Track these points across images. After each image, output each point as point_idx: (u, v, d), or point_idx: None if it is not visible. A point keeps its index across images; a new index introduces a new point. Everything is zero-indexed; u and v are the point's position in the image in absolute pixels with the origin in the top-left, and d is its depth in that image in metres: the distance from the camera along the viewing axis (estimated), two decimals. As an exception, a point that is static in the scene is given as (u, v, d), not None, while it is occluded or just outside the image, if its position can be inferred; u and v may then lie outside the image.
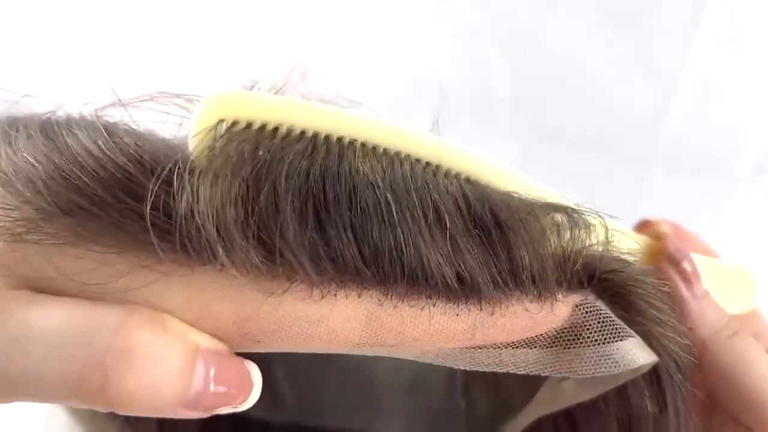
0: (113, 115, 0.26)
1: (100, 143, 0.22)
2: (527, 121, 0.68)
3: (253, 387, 0.23)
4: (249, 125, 0.23)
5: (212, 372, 0.21)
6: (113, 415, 0.41)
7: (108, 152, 0.22)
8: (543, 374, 0.25)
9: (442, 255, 0.22)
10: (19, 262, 0.22)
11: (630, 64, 0.66)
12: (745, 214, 0.68)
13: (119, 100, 0.25)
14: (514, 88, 0.68)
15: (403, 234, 0.22)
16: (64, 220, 0.21)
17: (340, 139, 0.23)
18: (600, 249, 0.27)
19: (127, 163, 0.21)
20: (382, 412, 0.44)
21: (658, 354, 0.27)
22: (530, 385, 0.33)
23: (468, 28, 0.67)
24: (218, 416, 0.43)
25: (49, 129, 0.24)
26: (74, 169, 0.21)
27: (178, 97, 0.25)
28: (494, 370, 0.25)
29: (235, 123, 0.22)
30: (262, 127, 0.23)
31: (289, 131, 0.23)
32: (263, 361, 0.44)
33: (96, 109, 0.26)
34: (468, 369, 0.25)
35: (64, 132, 0.23)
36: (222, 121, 0.22)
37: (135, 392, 0.20)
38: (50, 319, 0.21)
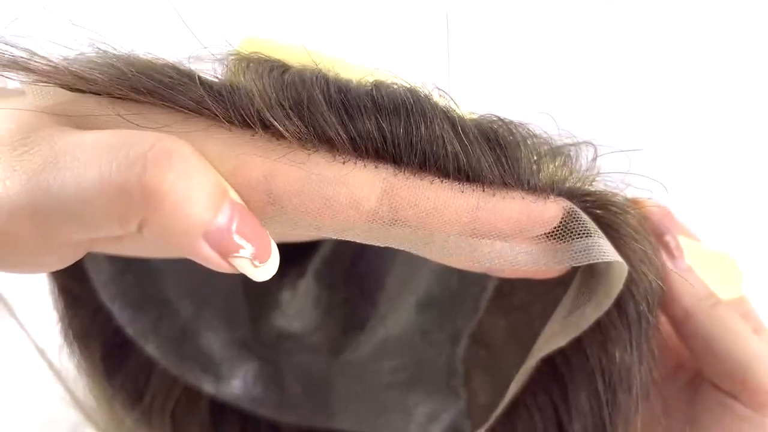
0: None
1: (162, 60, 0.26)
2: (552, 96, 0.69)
3: (272, 254, 0.24)
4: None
5: (237, 220, 0.23)
6: (130, 407, 0.43)
7: (168, 63, 0.25)
8: (534, 266, 0.28)
9: (453, 139, 0.25)
10: (78, 108, 0.25)
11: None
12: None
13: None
14: (509, 87, 0.70)
15: (419, 115, 0.25)
16: (138, 78, 0.24)
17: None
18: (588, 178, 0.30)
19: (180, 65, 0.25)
20: (387, 409, 0.45)
21: (632, 273, 0.29)
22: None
23: (462, 30, 0.69)
24: (228, 417, 0.44)
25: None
26: (150, 61, 0.25)
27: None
28: (495, 265, 0.27)
29: (262, 58, 0.26)
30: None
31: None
32: (274, 363, 0.45)
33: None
34: (471, 265, 0.27)
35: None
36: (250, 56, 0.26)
37: (170, 190, 0.21)
38: (98, 135, 0.23)
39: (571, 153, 0.29)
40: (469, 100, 0.29)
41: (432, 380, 0.45)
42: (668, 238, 0.35)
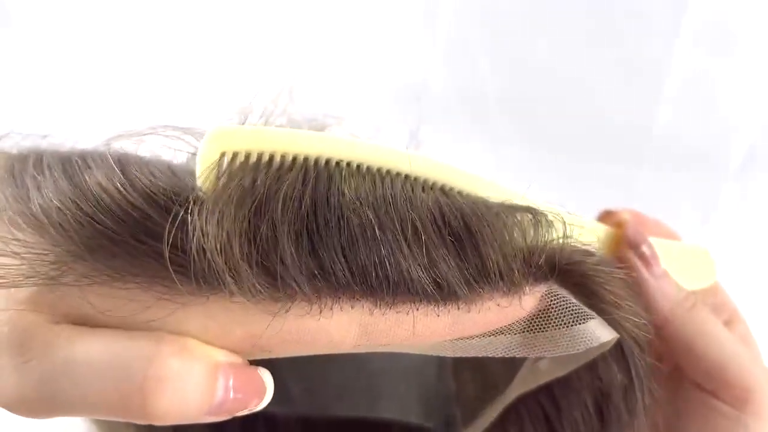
0: (121, 146, 0.30)
1: (116, 181, 0.26)
2: (517, 126, 0.70)
3: (266, 390, 0.27)
4: (248, 157, 0.26)
5: (231, 381, 0.25)
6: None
7: (123, 191, 0.26)
8: (518, 356, 0.29)
9: (420, 267, 0.26)
10: (58, 301, 0.25)
11: (615, 64, 0.68)
12: (737, 209, 0.71)
13: (126, 133, 0.29)
14: (502, 91, 0.70)
15: (385, 252, 0.26)
16: (92, 260, 0.25)
17: (327, 162, 0.27)
18: (561, 242, 0.31)
19: (143, 202, 0.25)
20: (380, 397, 0.47)
21: (619, 333, 0.31)
22: (512, 366, 0.37)
23: (456, 37, 0.69)
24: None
25: (69, 167, 0.27)
26: (97, 211, 0.25)
27: (179, 129, 0.29)
28: (475, 356, 0.29)
29: (235, 155, 0.26)
30: (259, 157, 0.26)
31: (283, 159, 0.27)
32: (270, 360, 0.47)
33: (107, 141, 0.30)
34: (452, 356, 0.29)
35: (83, 171, 0.27)
36: (223, 154, 0.26)
37: (169, 409, 0.24)
38: (91, 350, 0.24)
39: (540, 219, 0.30)
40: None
41: (423, 369, 0.47)
42: (644, 248, 0.37)
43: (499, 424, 0.38)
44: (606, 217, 0.40)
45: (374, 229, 0.26)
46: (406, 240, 0.26)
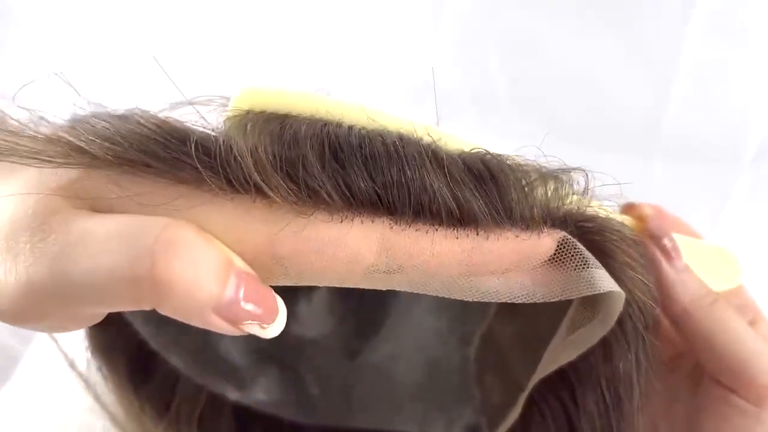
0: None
1: (160, 123, 0.27)
2: (527, 118, 0.70)
3: (278, 313, 0.26)
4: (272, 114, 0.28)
5: (243, 287, 0.24)
6: (158, 417, 0.44)
7: (165, 125, 0.26)
8: (531, 301, 0.29)
9: (444, 186, 0.26)
10: (88, 189, 0.26)
11: (625, 56, 0.68)
12: (751, 200, 0.70)
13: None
14: (512, 85, 0.70)
15: (409, 168, 0.26)
16: (137, 155, 0.25)
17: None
18: (582, 203, 0.31)
19: (177, 129, 0.26)
20: (403, 408, 0.47)
21: (628, 296, 0.30)
22: (535, 364, 0.36)
23: (465, 29, 0.69)
24: (253, 420, 0.46)
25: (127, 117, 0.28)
26: (144, 129, 0.26)
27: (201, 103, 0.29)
28: (491, 299, 0.28)
29: (261, 113, 0.28)
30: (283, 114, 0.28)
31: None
32: (294, 368, 0.47)
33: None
34: (469, 299, 0.28)
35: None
36: (249, 111, 0.27)
37: (178, 279, 0.23)
38: (110, 223, 0.24)
39: (564, 179, 0.30)
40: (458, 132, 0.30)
41: (446, 380, 0.47)
42: (665, 240, 0.37)
43: (521, 424, 0.37)
44: (628, 209, 0.40)
45: (399, 148, 0.26)
46: (430, 162, 0.26)
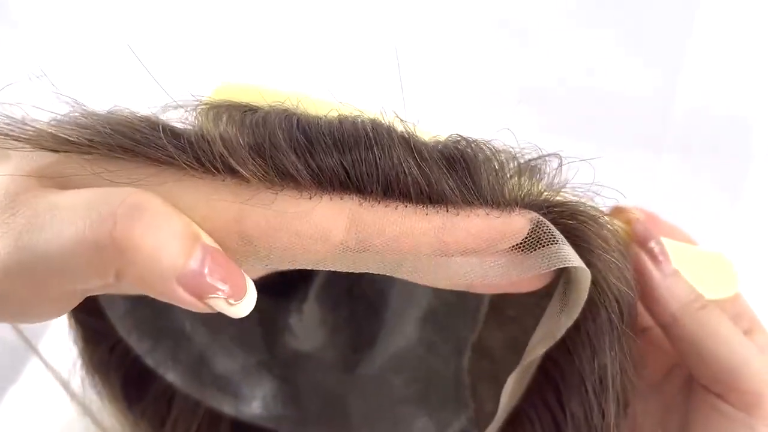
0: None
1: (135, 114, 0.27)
2: (534, 114, 0.69)
3: (247, 291, 0.26)
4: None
5: (209, 261, 0.24)
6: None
7: (142, 117, 0.27)
8: (504, 279, 0.29)
9: (412, 165, 0.26)
10: (61, 171, 0.26)
11: (633, 49, 0.68)
12: (762, 194, 0.68)
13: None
14: (520, 81, 0.70)
15: (378, 147, 0.26)
16: (111, 136, 0.26)
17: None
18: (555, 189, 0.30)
19: (149, 118, 0.27)
20: (402, 420, 0.47)
21: (602, 283, 0.30)
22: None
23: (473, 22, 0.70)
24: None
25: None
26: (118, 117, 0.27)
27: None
28: (467, 280, 0.29)
29: (232, 104, 0.28)
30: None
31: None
32: (292, 381, 0.47)
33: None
34: (444, 284, 0.29)
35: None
36: (221, 103, 0.28)
37: (140, 243, 0.23)
38: (75, 195, 0.25)
39: (538, 165, 0.30)
40: (432, 123, 0.30)
41: (442, 392, 0.46)
42: (652, 244, 0.36)
43: (508, 427, 0.37)
44: (616, 213, 0.39)
45: (367, 128, 0.26)
46: (399, 142, 0.27)
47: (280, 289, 0.44)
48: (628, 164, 0.65)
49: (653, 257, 0.36)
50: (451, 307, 0.44)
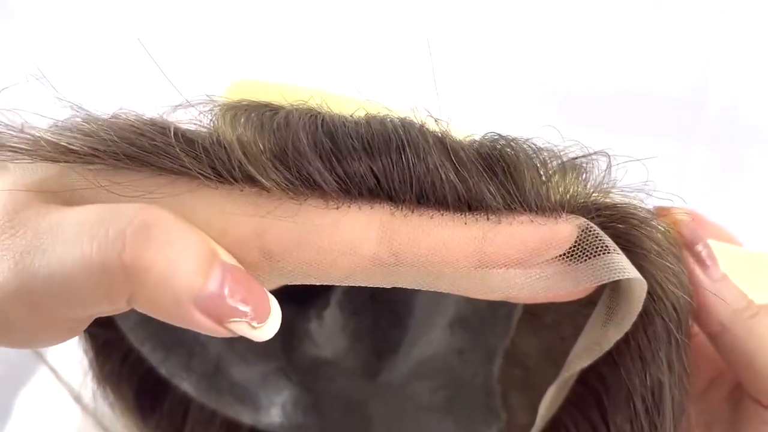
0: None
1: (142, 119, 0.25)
2: (564, 104, 0.68)
3: (271, 312, 0.24)
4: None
5: (229, 280, 0.22)
6: None
7: (145, 119, 0.25)
8: (551, 292, 0.26)
9: (449, 169, 0.24)
10: (64, 184, 0.24)
11: (667, 37, 0.65)
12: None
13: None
14: (548, 69, 0.68)
15: (411, 150, 0.24)
16: (117, 145, 0.24)
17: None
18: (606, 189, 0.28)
19: (158, 121, 0.25)
20: (427, 430, 0.45)
21: (658, 290, 0.28)
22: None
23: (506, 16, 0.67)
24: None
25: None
26: (124, 122, 0.25)
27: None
28: (510, 294, 0.26)
29: (250, 103, 0.26)
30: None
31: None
32: (312, 389, 0.45)
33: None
34: (486, 296, 0.26)
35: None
36: (239, 102, 0.26)
37: (153, 264, 0.21)
38: (79, 212, 0.22)
39: (584, 165, 0.27)
40: (468, 120, 0.28)
41: (470, 400, 0.44)
42: (699, 247, 0.33)
43: None
44: (660, 214, 0.37)
45: (399, 130, 0.24)
46: (434, 144, 0.24)
47: (300, 295, 0.42)
48: (657, 154, 0.64)
49: (701, 261, 0.33)
50: (482, 313, 0.42)
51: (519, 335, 0.41)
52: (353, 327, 0.44)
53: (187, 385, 0.43)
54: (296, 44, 0.70)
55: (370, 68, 0.70)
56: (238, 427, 0.46)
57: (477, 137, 0.26)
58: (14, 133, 0.25)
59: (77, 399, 0.42)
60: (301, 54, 0.70)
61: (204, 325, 0.22)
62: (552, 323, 0.39)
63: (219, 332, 0.22)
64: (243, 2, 0.71)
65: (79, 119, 0.25)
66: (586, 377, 0.33)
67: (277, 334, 0.44)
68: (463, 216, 0.25)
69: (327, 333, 0.44)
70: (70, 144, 0.24)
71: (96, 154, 0.24)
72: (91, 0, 0.69)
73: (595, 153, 0.27)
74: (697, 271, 0.33)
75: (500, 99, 0.69)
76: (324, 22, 0.70)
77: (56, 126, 0.26)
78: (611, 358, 0.31)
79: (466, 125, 0.28)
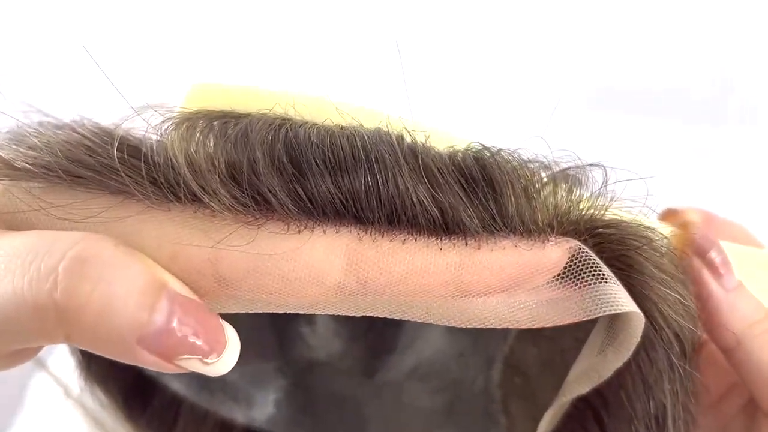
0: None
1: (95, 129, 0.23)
2: (592, 87, 0.65)
3: (228, 344, 0.22)
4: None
5: (178, 313, 0.20)
6: None
7: (98, 130, 0.23)
8: (539, 326, 0.24)
9: (421, 189, 0.22)
10: (6, 204, 0.23)
11: (696, 20, 0.63)
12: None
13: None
14: (576, 53, 0.66)
15: (380, 170, 0.22)
16: (62, 163, 0.22)
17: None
18: (601, 205, 0.26)
19: (107, 132, 0.23)
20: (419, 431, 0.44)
21: (659, 319, 0.26)
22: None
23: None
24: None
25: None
26: (76, 136, 0.23)
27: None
28: (491, 326, 0.24)
29: (210, 111, 0.24)
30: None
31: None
32: (307, 387, 0.44)
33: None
34: (463, 326, 0.24)
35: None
36: (199, 110, 0.24)
37: (87, 305, 0.19)
38: (17, 241, 0.21)
39: (577, 177, 0.25)
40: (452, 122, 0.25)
41: (470, 404, 0.43)
42: (713, 253, 0.31)
43: None
44: (669, 216, 0.34)
45: (367, 147, 0.22)
46: (405, 161, 0.22)
47: None
48: (685, 137, 0.62)
49: (714, 270, 0.31)
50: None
51: (518, 343, 0.39)
52: (347, 332, 0.43)
53: (178, 385, 0.42)
54: (264, 42, 0.68)
55: (345, 68, 0.68)
56: (232, 426, 0.44)
57: (460, 146, 0.24)
58: None
59: (70, 395, 0.41)
60: (270, 53, 0.68)
61: (150, 362, 0.20)
62: (551, 335, 0.38)
63: (168, 369, 0.21)
64: (209, 2, 0.69)
65: (29, 131, 0.24)
66: (586, 394, 0.31)
67: (271, 335, 0.44)
68: (438, 241, 0.23)
69: (320, 337, 0.42)
70: (12, 160, 0.23)
71: (39, 173, 0.22)
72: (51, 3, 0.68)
73: (589, 165, 0.25)
74: (710, 280, 0.31)
75: (527, 92, 0.67)
76: (296, 19, 0.68)
77: (4, 138, 0.24)
78: (614, 380, 0.28)
79: (453, 128, 0.25)
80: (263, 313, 0.42)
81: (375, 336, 0.43)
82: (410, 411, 0.44)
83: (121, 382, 0.41)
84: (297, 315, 0.42)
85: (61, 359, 0.42)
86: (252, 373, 0.44)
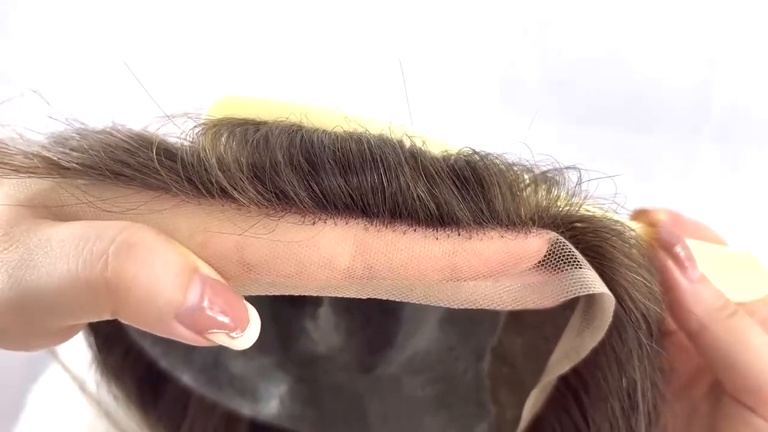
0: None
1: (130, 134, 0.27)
2: (568, 102, 0.68)
3: (250, 322, 0.25)
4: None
5: (208, 294, 0.23)
6: None
7: (134, 134, 0.27)
8: (519, 305, 0.27)
9: (421, 186, 0.25)
10: (55, 199, 0.26)
11: (671, 34, 0.65)
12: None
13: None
14: (550, 68, 0.68)
15: (384, 168, 0.25)
16: (105, 161, 0.25)
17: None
18: (576, 202, 0.29)
19: (144, 136, 0.27)
20: (422, 423, 0.46)
21: (628, 301, 0.29)
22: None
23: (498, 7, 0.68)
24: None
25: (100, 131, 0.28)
26: (114, 138, 0.26)
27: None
28: (481, 306, 0.27)
29: (233, 119, 0.28)
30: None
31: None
32: (310, 382, 0.46)
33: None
34: (456, 306, 0.27)
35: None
36: (223, 119, 0.28)
37: (134, 282, 0.22)
38: (68, 229, 0.24)
39: (556, 179, 0.28)
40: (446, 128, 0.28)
41: (462, 394, 0.45)
42: (678, 248, 0.34)
43: None
44: (640, 215, 0.38)
45: (373, 148, 0.25)
46: (407, 161, 0.26)
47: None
48: (664, 152, 0.64)
49: (679, 263, 0.34)
50: (470, 312, 0.43)
51: (505, 334, 0.42)
52: (347, 324, 0.45)
53: (187, 378, 0.44)
54: (281, 59, 0.71)
55: (351, 81, 0.70)
56: (238, 419, 0.47)
57: (453, 150, 0.27)
58: (8, 149, 0.27)
59: (83, 388, 0.43)
60: (285, 69, 0.71)
61: (184, 335, 0.23)
62: (535, 324, 0.40)
63: (200, 342, 0.24)
64: (233, 21, 0.72)
65: (71, 134, 0.27)
66: (566, 376, 0.34)
67: (275, 330, 0.46)
68: (434, 231, 0.26)
69: (322, 330, 0.45)
70: (60, 160, 0.26)
71: (85, 171, 0.25)
72: (85, 18, 0.71)
73: (565, 168, 0.28)
74: (676, 272, 0.34)
75: (501, 97, 0.69)
76: (308, 38, 0.71)
77: (49, 141, 0.27)
78: (590, 360, 0.31)
79: (448, 134, 0.28)
80: (269, 309, 0.45)
81: (373, 331, 0.46)
82: (407, 402, 0.46)
83: (135, 375, 0.43)
84: (301, 311, 0.45)
85: (75, 356, 0.44)
86: (257, 368, 0.47)
